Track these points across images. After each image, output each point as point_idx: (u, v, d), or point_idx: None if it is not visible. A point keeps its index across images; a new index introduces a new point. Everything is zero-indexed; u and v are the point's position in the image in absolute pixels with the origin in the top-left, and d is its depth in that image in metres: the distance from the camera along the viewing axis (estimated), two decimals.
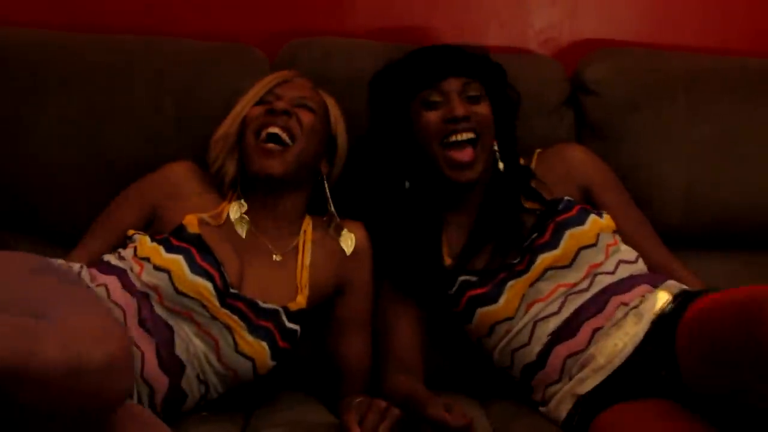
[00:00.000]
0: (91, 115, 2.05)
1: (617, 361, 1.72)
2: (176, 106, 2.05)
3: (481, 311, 1.84)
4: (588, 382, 1.73)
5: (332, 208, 1.90)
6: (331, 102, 1.95)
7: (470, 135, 1.88)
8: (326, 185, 1.91)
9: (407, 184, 1.94)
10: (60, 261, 1.78)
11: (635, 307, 1.77)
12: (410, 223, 1.91)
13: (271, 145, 1.81)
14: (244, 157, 1.85)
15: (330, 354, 1.92)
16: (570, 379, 1.76)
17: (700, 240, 2.19)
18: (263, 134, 1.82)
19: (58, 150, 2.04)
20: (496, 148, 1.95)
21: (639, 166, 2.14)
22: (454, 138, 1.87)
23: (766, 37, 2.41)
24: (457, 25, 2.35)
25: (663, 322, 1.73)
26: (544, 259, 1.83)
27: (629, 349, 1.72)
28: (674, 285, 1.83)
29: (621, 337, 1.73)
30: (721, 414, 1.56)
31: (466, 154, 1.87)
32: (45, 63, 2.07)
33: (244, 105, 1.88)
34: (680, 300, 1.76)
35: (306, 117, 1.85)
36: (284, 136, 1.82)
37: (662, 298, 1.77)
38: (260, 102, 1.88)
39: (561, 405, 1.76)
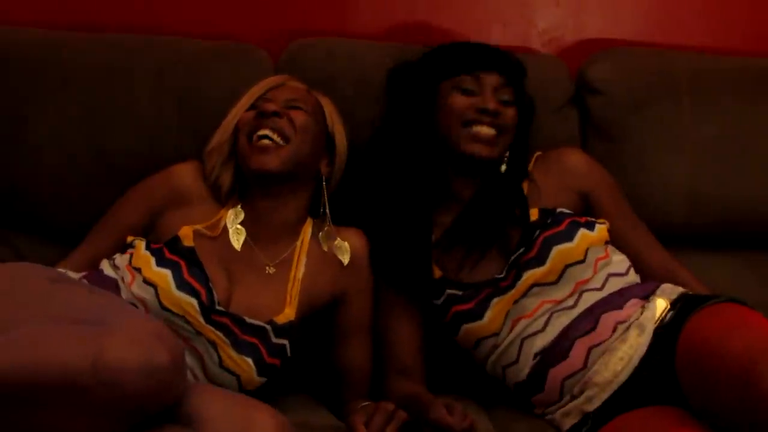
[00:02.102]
0: (92, 114, 2.04)
1: (623, 376, 1.71)
2: (177, 106, 2.04)
3: (466, 327, 1.84)
4: (596, 399, 1.72)
5: (327, 212, 1.87)
6: (326, 102, 1.93)
7: (492, 132, 1.86)
8: (324, 187, 1.88)
9: (413, 168, 1.91)
10: (60, 269, 1.77)
11: (636, 319, 1.76)
12: (403, 223, 1.89)
13: (265, 141, 1.79)
14: (240, 161, 1.83)
15: (332, 359, 1.91)
16: (572, 398, 1.75)
17: (703, 239, 2.19)
18: (255, 137, 1.80)
19: (58, 149, 2.03)
20: (506, 155, 1.93)
21: (642, 165, 2.14)
22: (476, 128, 1.86)
23: None
24: (461, 24, 2.35)
25: (664, 335, 1.72)
26: (530, 275, 1.81)
27: (635, 362, 1.72)
28: (670, 289, 1.83)
29: (626, 351, 1.73)
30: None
31: (486, 135, 1.86)
32: (45, 63, 2.06)
33: (236, 113, 1.86)
34: (679, 306, 1.75)
35: (298, 117, 1.82)
36: (275, 136, 1.79)
37: (660, 306, 1.77)
38: (252, 108, 1.85)
39: (566, 419, 1.76)
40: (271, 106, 1.81)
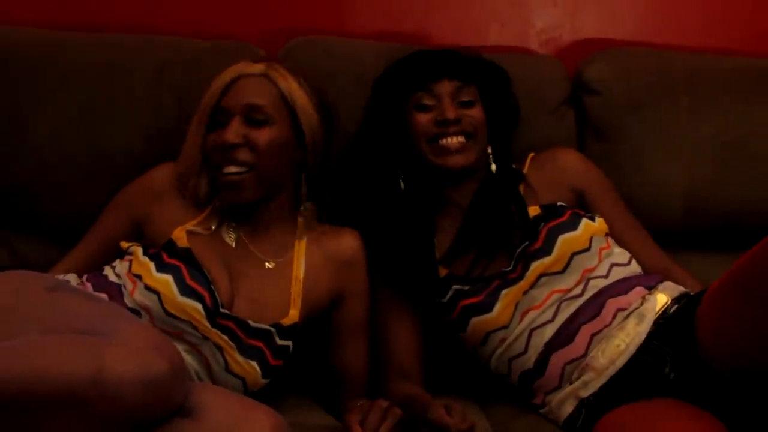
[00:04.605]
0: (91, 113, 2.04)
1: (620, 362, 1.72)
2: (176, 105, 2.04)
3: (475, 320, 1.84)
4: (591, 384, 1.72)
5: (303, 206, 1.86)
6: (283, 79, 1.81)
7: (460, 139, 1.88)
8: (303, 179, 1.85)
9: (402, 185, 1.93)
10: (58, 276, 1.78)
11: (636, 309, 1.77)
12: (403, 228, 1.90)
13: (233, 178, 1.76)
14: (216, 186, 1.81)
15: (329, 361, 1.91)
16: (571, 384, 1.76)
17: (700, 240, 2.19)
18: (221, 173, 1.77)
19: (58, 149, 2.03)
20: (489, 151, 1.95)
21: (640, 165, 2.15)
22: (443, 141, 1.88)
23: (767, 37, 2.41)
24: (458, 24, 2.35)
25: (669, 321, 1.73)
26: (537, 265, 1.82)
27: (631, 350, 1.72)
28: (672, 287, 1.84)
29: (623, 338, 1.73)
30: (727, 406, 1.58)
31: (454, 145, 1.87)
32: (45, 62, 2.07)
33: (196, 129, 1.80)
34: (685, 301, 1.77)
35: (260, 136, 1.76)
36: (243, 170, 1.76)
37: (661, 301, 1.78)
38: (214, 123, 1.79)
39: (563, 406, 1.76)
40: (230, 136, 1.75)
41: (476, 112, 1.91)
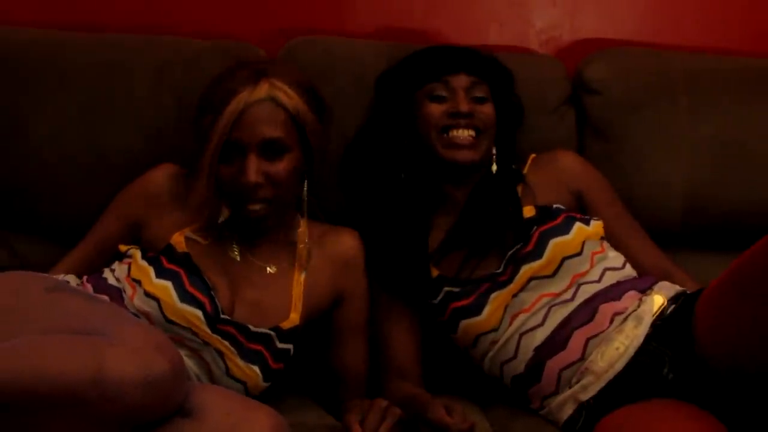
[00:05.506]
0: (92, 113, 2.04)
1: (619, 365, 1.72)
2: (176, 105, 2.04)
3: (465, 323, 1.84)
4: (591, 388, 1.72)
5: (304, 223, 1.85)
6: (287, 98, 1.74)
7: (471, 133, 1.88)
8: (305, 190, 1.83)
9: (403, 175, 1.93)
10: (58, 277, 1.78)
11: (633, 311, 1.77)
12: (399, 223, 1.90)
13: (257, 214, 1.74)
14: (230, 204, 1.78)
15: (329, 361, 1.92)
16: (569, 388, 1.76)
17: (700, 240, 2.19)
18: (246, 209, 1.74)
19: (58, 149, 2.03)
20: (493, 152, 1.95)
21: (639, 165, 2.15)
22: (453, 133, 1.88)
23: (767, 37, 2.41)
24: (458, 24, 2.36)
25: (667, 322, 1.73)
26: (527, 269, 1.82)
27: (630, 352, 1.72)
28: (668, 287, 1.84)
29: (622, 341, 1.73)
30: (726, 406, 1.58)
31: (465, 139, 1.88)
32: (45, 62, 2.07)
33: (209, 164, 1.71)
34: (682, 300, 1.77)
35: (280, 169, 1.73)
36: (266, 205, 1.74)
37: (658, 302, 1.78)
38: (225, 155, 1.72)
39: (562, 409, 1.76)
40: (253, 176, 1.70)
41: (488, 109, 1.92)
